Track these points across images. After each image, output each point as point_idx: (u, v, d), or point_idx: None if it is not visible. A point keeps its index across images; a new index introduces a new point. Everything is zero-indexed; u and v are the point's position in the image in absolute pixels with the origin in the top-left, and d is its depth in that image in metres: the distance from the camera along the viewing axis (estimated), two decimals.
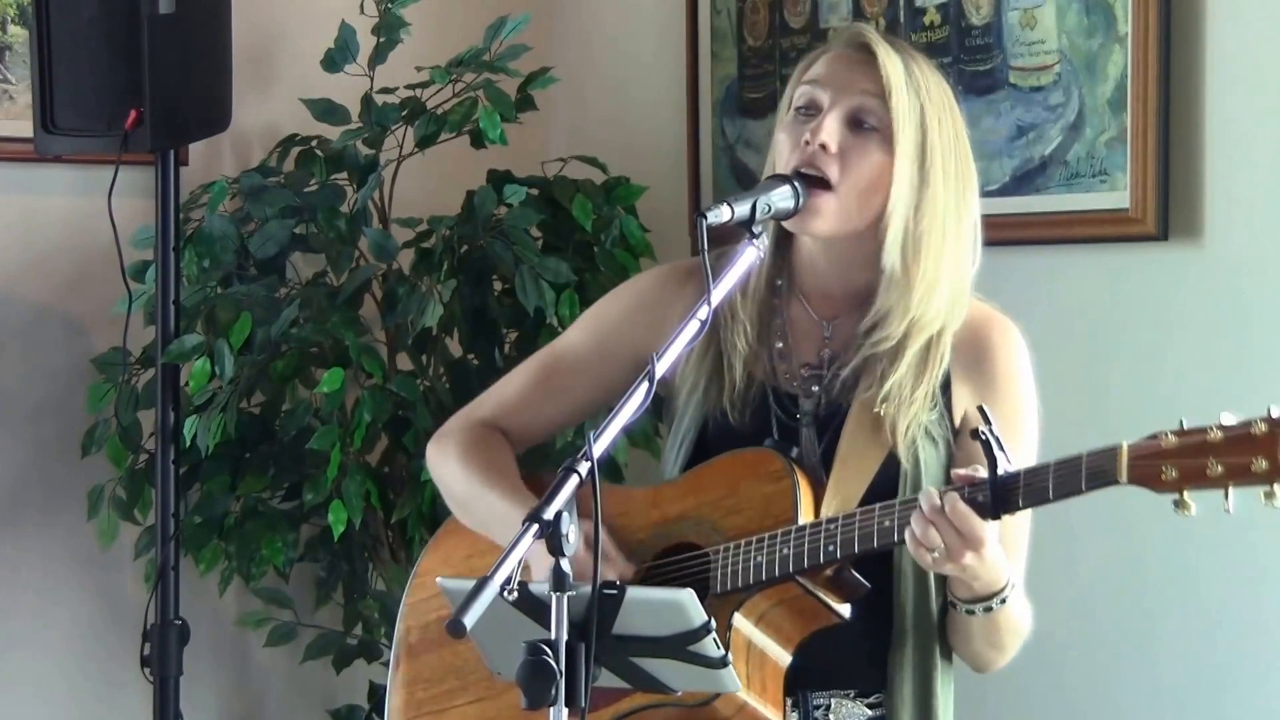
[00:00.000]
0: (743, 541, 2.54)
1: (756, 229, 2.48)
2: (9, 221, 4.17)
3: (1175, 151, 3.50)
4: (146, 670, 3.92)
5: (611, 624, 2.24)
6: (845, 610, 2.53)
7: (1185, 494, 2.22)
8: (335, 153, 4.13)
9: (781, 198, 2.54)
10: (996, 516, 2.37)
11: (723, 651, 2.32)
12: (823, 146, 2.56)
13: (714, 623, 2.30)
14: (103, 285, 4.07)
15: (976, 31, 3.78)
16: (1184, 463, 2.21)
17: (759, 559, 2.51)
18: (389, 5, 4.13)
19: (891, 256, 2.58)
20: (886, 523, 2.44)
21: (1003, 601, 2.49)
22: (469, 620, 2.08)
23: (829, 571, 2.50)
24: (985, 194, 3.70)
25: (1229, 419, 2.21)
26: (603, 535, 2.60)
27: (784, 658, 2.55)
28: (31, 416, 4.20)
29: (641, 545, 2.66)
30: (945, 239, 2.59)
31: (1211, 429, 2.21)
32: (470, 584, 2.11)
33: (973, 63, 3.79)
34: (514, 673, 2.14)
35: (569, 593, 2.15)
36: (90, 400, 4.10)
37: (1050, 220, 3.67)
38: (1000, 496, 2.35)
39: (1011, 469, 2.36)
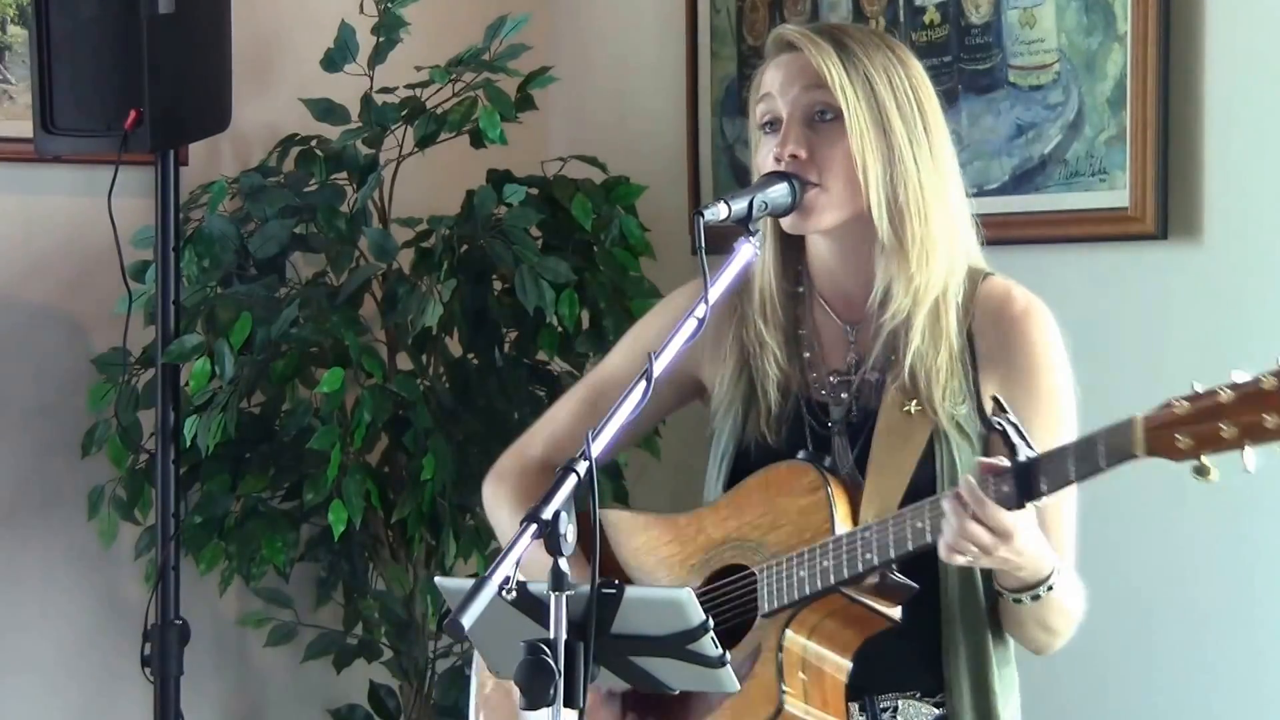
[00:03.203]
0: (785, 558, 2.54)
1: (753, 226, 2.49)
2: (9, 221, 4.17)
3: (1174, 150, 3.50)
4: (147, 670, 3.92)
5: (610, 623, 2.24)
6: (895, 613, 2.53)
7: (1203, 459, 2.18)
8: (335, 153, 4.13)
9: (779, 194, 2.54)
10: (1021, 505, 2.35)
11: (720, 650, 2.31)
12: (794, 156, 2.57)
13: (711, 621, 2.30)
14: (103, 285, 4.07)
15: (976, 30, 3.78)
16: (1197, 428, 2.18)
17: (801, 574, 2.51)
18: (389, 5, 4.13)
19: (882, 227, 2.58)
20: (919, 524, 2.43)
21: (1050, 588, 2.47)
22: (467, 620, 2.08)
23: (872, 578, 2.50)
24: (985, 193, 3.74)
25: (1240, 377, 2.18)
26: None
27: (843, 666, 2.56)
28: (31, 416, 4.20)
29: (692, 571, 2.67)
30: (928, 197, 2.59)
31: (1221, 390, 2.18)
32: (469, 583, 2.11)
33: (972, 62, 3.79)
34: (513, 673, 2.14)
35: (568, 592, 2.15)
36: (90, 400, 4.11)
37: (1050, 219, 3.67)
38: (1023, 484, 2.33)
39: (1032, 454, 2.34)
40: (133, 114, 3.81)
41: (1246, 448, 2.16)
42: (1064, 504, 2.56)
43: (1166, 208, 3.50)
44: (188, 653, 3.94)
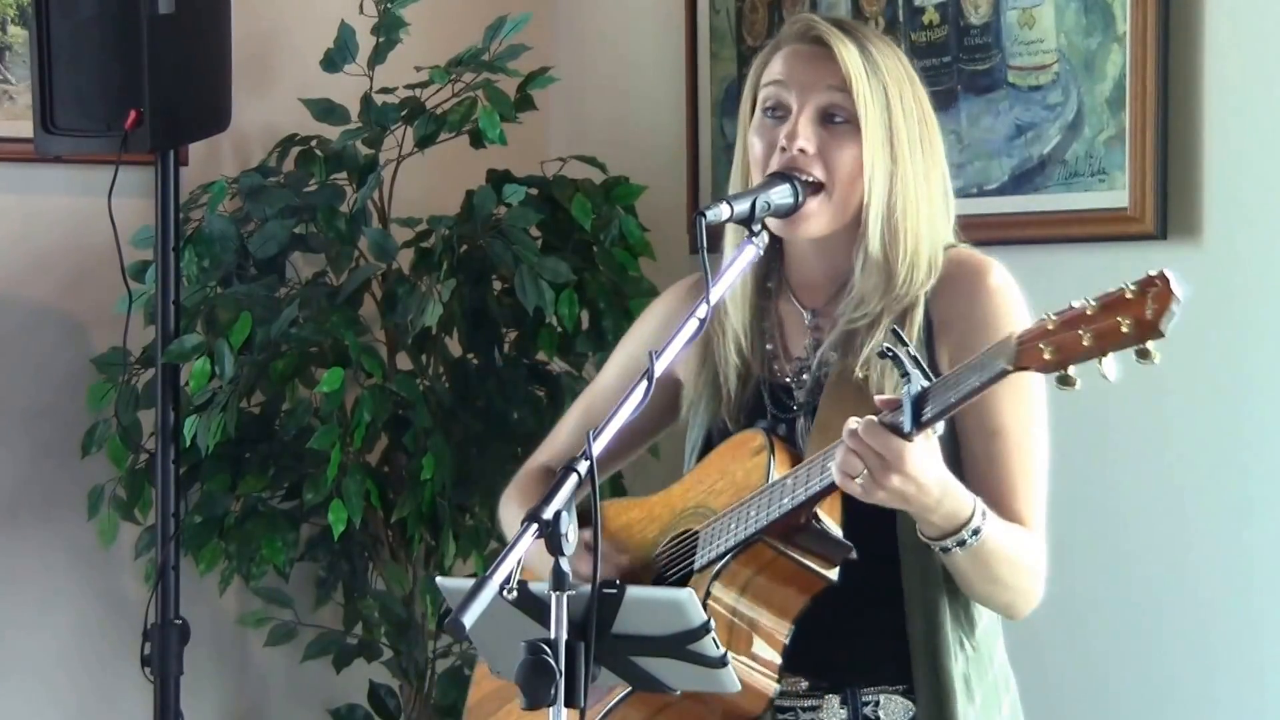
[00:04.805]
0: (721, 514, 2.56)
1: (755, 227, 2.49)
2: (9, 221, 4.18)
3: (1174, 150, 3.50)
4: (147, 670, 3.93)
5: (611, 623, 2.24)
6: (832, 574, 2.50)
7: (1069, 370, 2.20)
8: (335, 153, 4.14)
9: (781, 196, 2.54)
10: (909, 435, 2.33)
11: (722, 651, 2.32)
12: (801, 151, 2.57)
13: (713, 622, 2.31)
14: (103, 285, 4.08)
15: (975, 31, 3.78)
16: (1060, 338, 2.20)
17: (731, 525, 2.53)
18: (388, 5, 4.13)
19: (873, 243, 2.58)
20: (829, 464, 2.41)
21: (975, 533, 2.42)
22: (468, 620, 2.08)
23: (800, 526, 2.48)
24: (984, 193, 3.74)
25: (1112, 289, 2.19)
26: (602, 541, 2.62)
27: (780, 627, 2.54)
28: (31, 416, 4.20)
29: (654, 542, 2.68)
30: (920, 211, 2.59)
31: (1087, 301, 2.20)
32: (470, 583, 2.11)
33: (971, 62, 3.79)
34: (513, 673, 2.14)
35: (568, 592, 2.15)
36: (90, 400, 4.11)
37: (1049, 219, 3.67)
38: (915, 413, 2.32)
39: (926, 384, 2.32)
40: (133, 114, 3.81)
41: (1106, 356, 2.17)
42: (1012, 450, 2.53)
43: (1166, 208, 3.50)
44: (188, 652, 3.95)
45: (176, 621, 3.93)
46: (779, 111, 2.61)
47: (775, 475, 2.53)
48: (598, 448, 2.22)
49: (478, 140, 4.08)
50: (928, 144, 2.62)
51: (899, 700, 2.61)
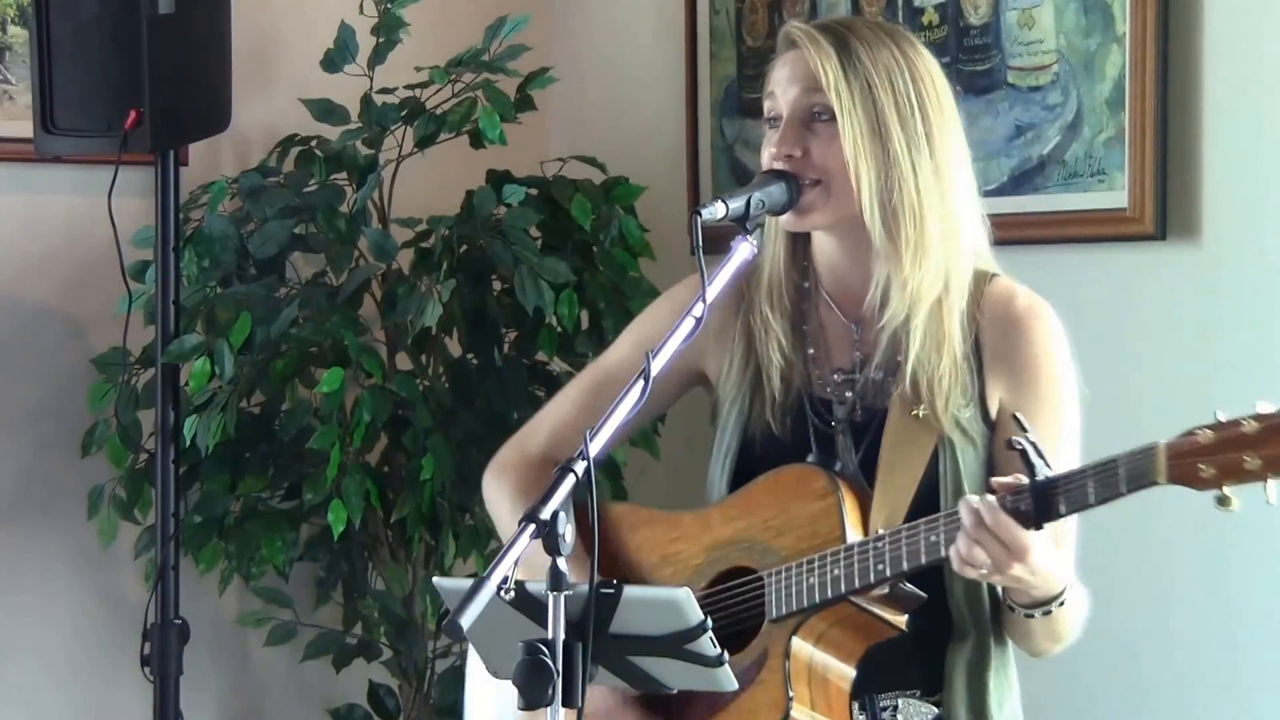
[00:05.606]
0: (793, 564, 2.55)
1: (751, 225, 2.50)
2: (9, 221, 4.18)
3: (1173, 151, 3.50)
4: (146, 670, 3.93)
5: (608, 623, 2.24)
6: (902, 622, 2.54)
7: (1225, 489, 2.20)
8: (335, 153, 4.14)
9: (776, 193, 2.56)
10: (1038, 525, 2.36)
11: (718, 650, 2.32)
12: (789, 156, 2.59)
13: (710, 621, 2.31)
14: (103, 285, 4.08)
15: (975, 31, 3.78)
16: (1221, 458, 2.20)
17: (811, 581, 2.52)
18: (388, 5, 4.13)
19: (875, 229, 2.59)
20: (933, 537, 2.44)
21: (1061, 604, 2.49)
22: (466, 621, 2.08)
23: (882, 588, 2.51)
24: (984, 194, 3.72)
25: (1265, 408, 2.19)
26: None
27: (847, 674, 2.57)
28: (31, 416, 4.21)
29: (698, 571, 2.66)
30: (924, 200, 2.59)
31: (1246, 421, 2.19)
32: (468, 584, 2.11)
33: (971, 63, 3.79)
34: (511, 673, 2.14)
35: (566, 592, 2.15)
36: (90, 400, 4.11)
37: (1048, 220, 3.67)
38: (1041, 504, 2.35)
39: (1050, 474, 2.35)
40: (133, 114, 3.81)
41: (1270, 480, 2.17)
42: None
43: (1165, 208, 3.51)
44: (187, 652, 3.95)
45: (176, 621, 3.93)
46: (775, 121, 2.65)
47: (850, 525, 2.53)
48: (595, 448, 2.22)
49: (478, 140, 4.08)
50: (929, 130, 2.61)
51: (917, 704, 2.61)
